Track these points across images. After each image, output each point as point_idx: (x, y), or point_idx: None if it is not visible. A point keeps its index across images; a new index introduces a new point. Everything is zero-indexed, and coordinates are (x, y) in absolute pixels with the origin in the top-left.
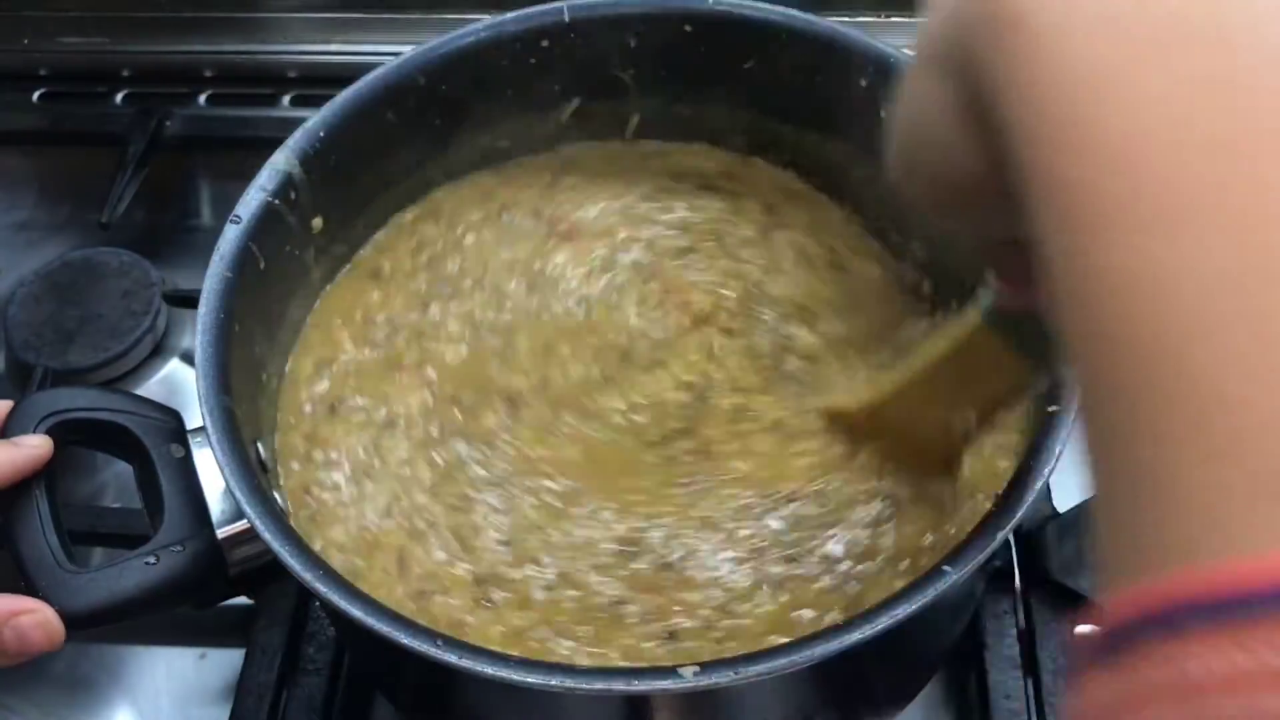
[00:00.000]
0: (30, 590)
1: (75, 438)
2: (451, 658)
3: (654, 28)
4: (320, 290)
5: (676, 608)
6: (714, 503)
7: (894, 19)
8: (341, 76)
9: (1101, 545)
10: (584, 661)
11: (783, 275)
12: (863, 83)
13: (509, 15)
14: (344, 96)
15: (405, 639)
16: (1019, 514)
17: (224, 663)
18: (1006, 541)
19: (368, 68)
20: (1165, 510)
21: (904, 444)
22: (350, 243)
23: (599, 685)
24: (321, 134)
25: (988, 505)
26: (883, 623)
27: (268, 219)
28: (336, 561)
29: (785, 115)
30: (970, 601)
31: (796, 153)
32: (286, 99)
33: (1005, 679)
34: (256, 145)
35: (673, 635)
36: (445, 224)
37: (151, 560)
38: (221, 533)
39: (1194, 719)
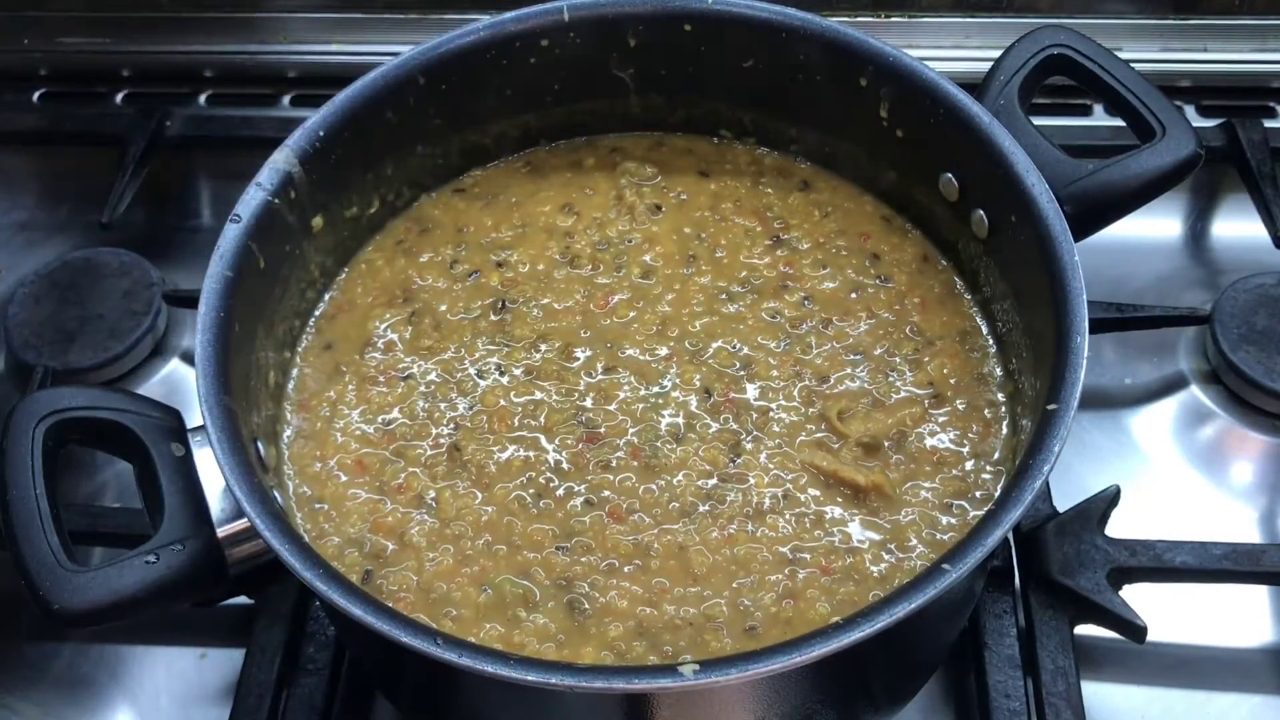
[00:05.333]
0: (30, 589)
1: (75, 437)
2: (451, 656)
3: (654, 28)
4: (322, 290)
5: None
6: None
7: (894, 19)
8: (341, 76)
9: None
10: None
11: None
12: (862, 82)
13: (509, 15)
14: (344, 96)
15: (405, 638)
16: (1018, 513)
17: (224, 663)
18: (1006, 541)
19: (368, 68)
20: None
21: None
22: (352, 242)
23: (599, 684)
24: (321, 133)
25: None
26: (882, 621)
27: (268, 218)
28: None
29: (785, 114)
30: (969, 601)
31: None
32: (286, 99)
33: (1005, 679)
34: (256, 145)
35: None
36: (448, 223)
37: (152, 559)
38: (221, 531)
39: None
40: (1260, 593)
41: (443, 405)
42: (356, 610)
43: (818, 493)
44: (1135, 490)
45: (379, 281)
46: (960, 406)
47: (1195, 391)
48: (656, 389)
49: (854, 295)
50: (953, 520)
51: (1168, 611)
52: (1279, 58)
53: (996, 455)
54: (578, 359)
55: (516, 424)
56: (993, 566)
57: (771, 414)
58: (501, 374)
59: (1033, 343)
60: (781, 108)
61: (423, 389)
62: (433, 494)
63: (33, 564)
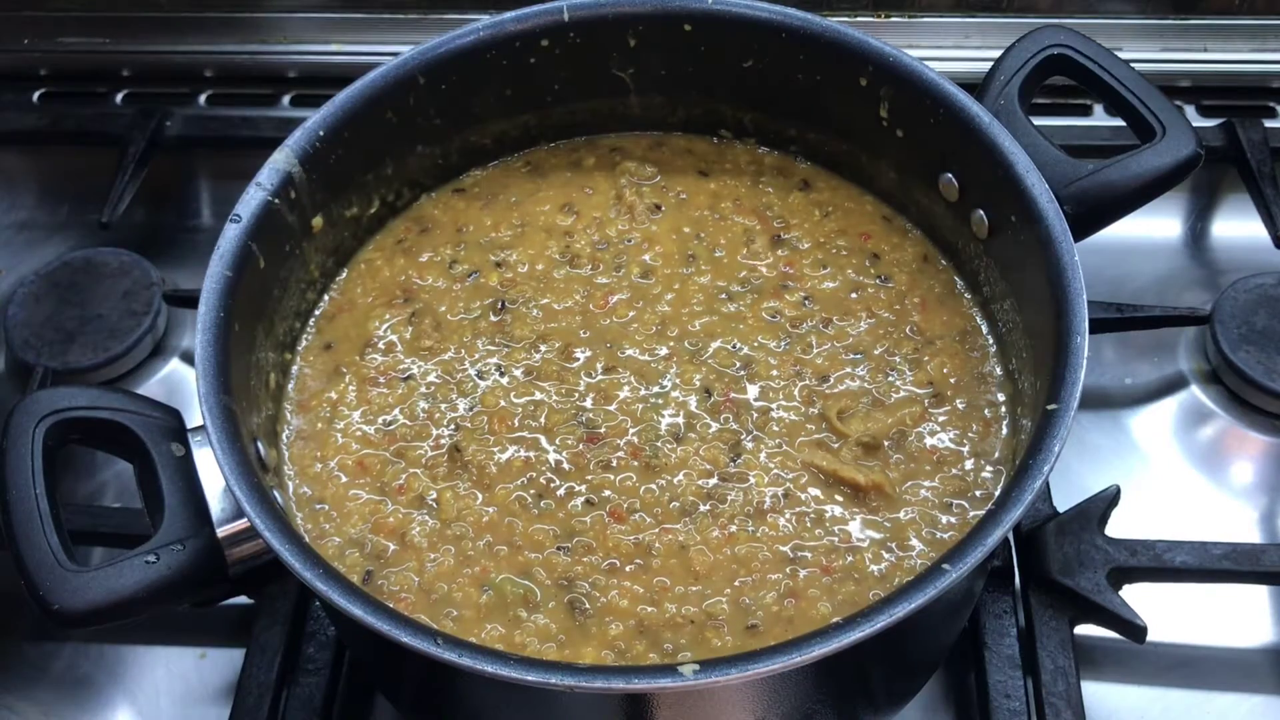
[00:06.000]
0: (30, 589)
1: (75, 437)
2: (451, 656)
3: (654, 28)
4: (322, 290)
5: None
6: None
7: (894, 19)
8: (341, 76)
9: None
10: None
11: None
12: (862, 82)
13: (509, 15)
14: (344, 96)
15: (405, 638)
16: (1018, 513)
17: (224, 663)
18: (1006, 541)
19: (368, 68)
20: None
21: None
22: (352, 242)
23: (598, 684)
24: (321, 133)
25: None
26: (881, 621)
27: (268, 218)
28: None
29: (785, 114)
30: (969, 601)
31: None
32: (286, 99)
33: (1005, 679)
34: (256, 145)
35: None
36: (448, 222)
37: (152, 559)
38: (221, 531)
39: None
40: (1260, 593)
41: (443, 406)
42: (356, 610)
43: (818, 492)
44: (1135, 490)
45: (379, 281)
46: (960, 406)
47: (1195, 391)
48: (656, 389)
49: (854, 295)
50: (953, 519)
51: (1168, 611)
52: (1279, 58)
53: (996, 455)
54: (577, 359)
55: (517, 424)
56: (993, 566)
57: (772, 414)
58: (501, 374)
59: (1033, 343)
60: (781, 108)
61: (423, 390)
62: (434, 495)
63: (33, 564)
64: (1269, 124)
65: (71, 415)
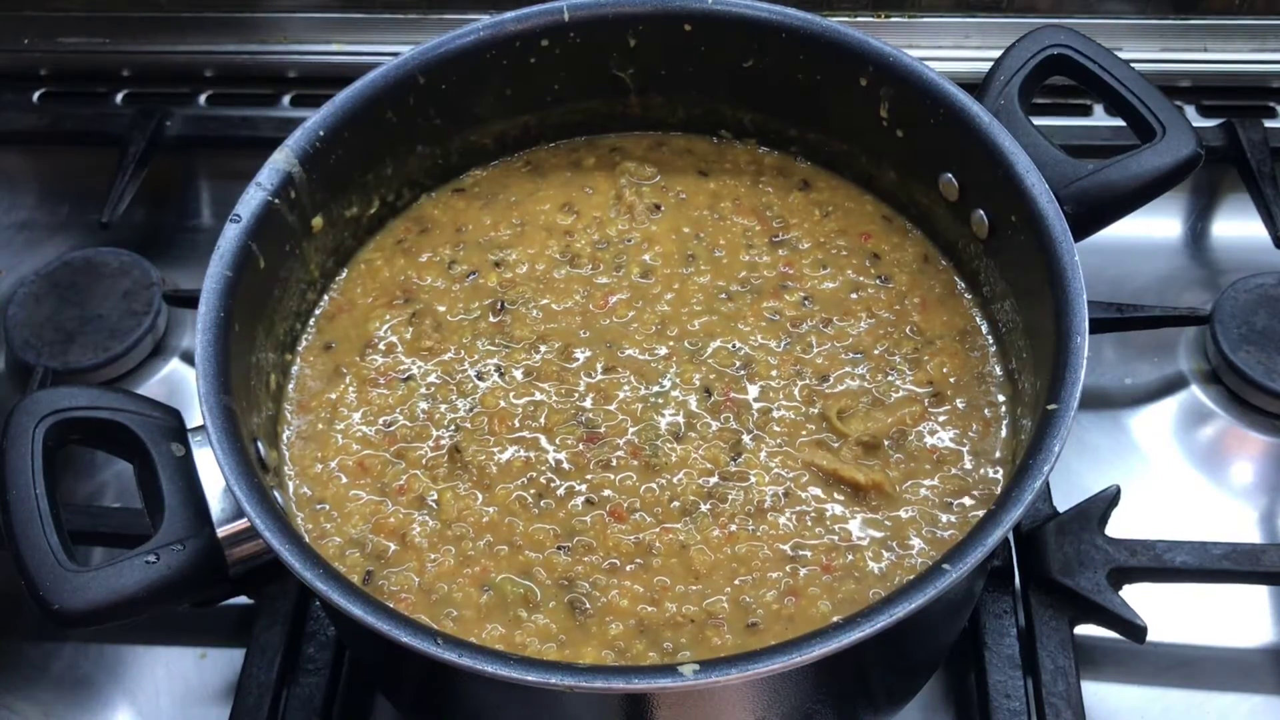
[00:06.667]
0: (30, 589)
1: (75, 437)
2: (451, 656)
3: (654, 28)
4: (322, 290)
5: None
6: None
7: (894, 19)
8: (341, 76)
9: None
10: None
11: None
12: (862, 82)
13: (509, 15)
14: (344, 96)
15: (405, 638)
16: (1018, 513)
17: (224, 663)
18: (1006, 541)
19: (368, 68)
20: None
21: None
22: (351, 242)
23: (598, 684)
24: (321, 133)
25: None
26: (882, 621)
27: (268, 218)
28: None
29: (785, 114)
30: (969, 601)
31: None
32: (286, 99)
33: (1005, 679)
34: (256, 145)
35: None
36: (447, 222)
37: (152, 559)
38: (222, 531)
39: None
40: (1260, 593)
41: (443, 407)
42: (356, 610)
43: (818, 491)
44: (1135, 490)
45: (379, 282)
46: (960, 405)
47: (1195, 391)
48: (656, 388)
49: (854, 295)
50: (953, 518)
51: (1168, 611)
52: (1279, 58)
53: (996, 454)
54: (577, 359)
55: (517, 425)
56: (993, 566)
57: (772, 413)
58: (501, 375)
59: (1033, 343)
60: (781, 108)
61: (423, 390)
62: (434, 495)
63: (33, 564)
64: (1269, 124)
65: (71, 415)
